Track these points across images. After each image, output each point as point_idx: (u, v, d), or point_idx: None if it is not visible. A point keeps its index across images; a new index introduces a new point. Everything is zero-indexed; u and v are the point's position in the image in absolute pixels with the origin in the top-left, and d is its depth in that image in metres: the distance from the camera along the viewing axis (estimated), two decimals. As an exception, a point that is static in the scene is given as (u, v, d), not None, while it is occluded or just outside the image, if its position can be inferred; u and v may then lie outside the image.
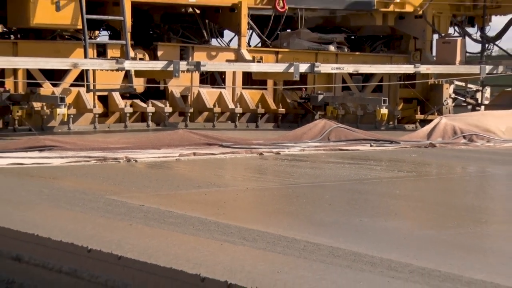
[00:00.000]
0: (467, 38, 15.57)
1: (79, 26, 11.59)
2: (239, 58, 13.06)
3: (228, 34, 14.67)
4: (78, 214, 5.93)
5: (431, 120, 12.93)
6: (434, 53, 15.06)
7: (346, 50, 14.92)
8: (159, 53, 12.79)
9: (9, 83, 11.75)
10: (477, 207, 7.08)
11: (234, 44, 13.92)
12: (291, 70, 12.92)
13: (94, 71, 11.98)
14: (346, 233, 5.46)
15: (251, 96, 13.67)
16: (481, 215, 6.63)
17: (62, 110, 11.33)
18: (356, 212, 6.36)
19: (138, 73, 12.25)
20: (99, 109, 12.32)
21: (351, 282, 4.09)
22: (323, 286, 3.94)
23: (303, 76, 13.58)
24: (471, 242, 5.38)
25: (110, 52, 12.16)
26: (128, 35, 11.87)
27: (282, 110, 13.91)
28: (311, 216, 6.15)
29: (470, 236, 5.60)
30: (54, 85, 11.95)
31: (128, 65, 11.75)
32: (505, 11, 15.12)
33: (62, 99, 11.28)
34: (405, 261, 4.53)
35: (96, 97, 12.27)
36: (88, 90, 12.11)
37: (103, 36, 13.15)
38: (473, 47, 15.72)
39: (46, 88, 11.85)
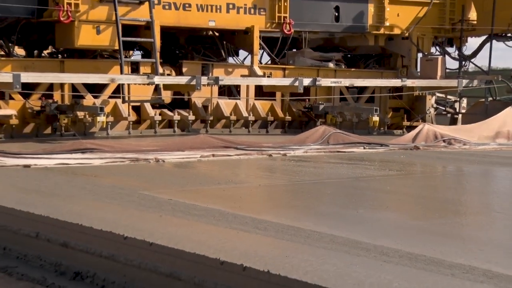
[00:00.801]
0: (446, 57, 15.56)
1: (116, 47, 11.63)
2: (252, 74, 13.06)
3: (242, 53, 14.70)
4: (116, 206, 5.96)
5: (415, 126, 12.90)
6: (418, 69, 15.03)
7: (343, 66, 14.90)
8: (184, 69, 12.80)
9: (57, 95, 11.79)
10: (456, 200, 7.07)
11: (247, 62, 13.92)
12: (296, 84, 12.92)
13: (128, 85, 12.01)
14: (345, 223, 5.46)
15: (262, 106, 13.67)
16: (459, 208, 6.62)
17: (101, 118, 11.37)
18: (353, 205, 6.36)
19: (166, 87, 12.26)
20: (132, 117, 12.34)
21: (349, 265, 4.10)
22: (325, 269, 3.95)
23: (307, 89, 13.56)
24: (452, 230, 5.38)
25: (142, 69, 12.19)
26: (158, 55, 11.90)
27: (288, 118, 13.90)
28: (315, 209, 6.15)
29: (451, 226, 5.60)
30: (95, 97, 11.97)
31: (157, 80, 11.78)
32: (479, 33, 15.12)
33: (102, 109, 11.32)
34: (395, 247, 4.53)
35: (130, 107, 12.29)
36: (123, 101, 12.13)
37: (136, 55, 13.19)
38: (452, 64, 15.74)
39: (88, 100, 11.88)
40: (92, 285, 4.74)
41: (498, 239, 5.23)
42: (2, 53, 12.65)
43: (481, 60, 15.15)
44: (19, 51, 13.12)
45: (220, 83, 12.65)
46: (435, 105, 15.58)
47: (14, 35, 12.22)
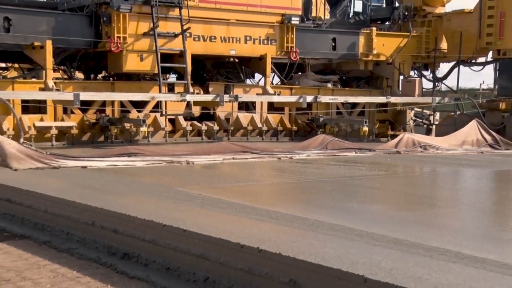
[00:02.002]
0: (423, 78, 15.51)
1: (156, 71, 11.66)
2: (265, 92, 13.06)
3: (257, 76, 14.69)
4: (155, 200, 5.96)
5: (398, 135, 12.86)
6: (400, 89, 14.99)
7: (339, 86, 14.87)
8: (210, 89, 12.81)
9: (108, 110, 11.84)
10: (432, 195, 7.05)
11: (261, 83, 13.92)
12: (301, 100, 12.92)
13: (165, 102, 12.03)
14: (342, 214, 5.44)
15: (273, 118, 13.66)
16: (435, 201, 6.59)
17: (143, 129, 11.41)
18: (348, 199, 6.35)
19: (196, 103, 12.28)
20: (169, 127, 12.36)
21: (346, 248, 4.08)
22: (326, 251, 3.94)
23: (309, 104, 13.54)
24: (429, 220, 5.36)
25: (177, 89, 12.20)
26: (189, 77, 11.92)
27: (294, 128, 13.88)
28: (317, 202, 6.14)
29: (428, 216, 5.58)
30: (139, 111, 12.00)
31: (189, 97, 11.80)
32: (449, 59, 15.08)
33: (144, 121, 11.36)
34: (383, 234, 4.52)
35: (167, 119, 12.31)
36: (161, 115, 12.15)
37: (172, 78, 13.20)
38: (427, 85, 15.66)
39: (133, 114, 11.91)
40: (137, 264, 4.74)
41: (467, 227, 5.21)
42: (66, 76, 12.71)
43: (451, 81, 15.17)
44: (79, 75, 13.17)
45: (239, 100, 12.67)
46: (413, 118, 15.56)
47: (75, 62, 12.29)
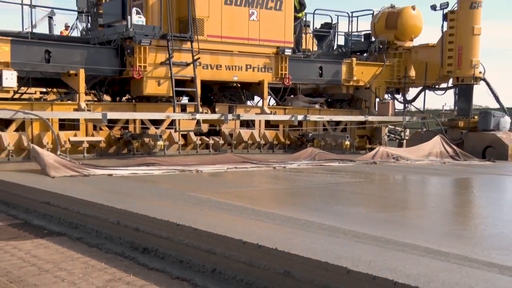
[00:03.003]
0: (395, 101, 15.51)
1: (171, 94, 11.63)
2: (263, 112, 13.03)
3: (256, 98, 14.66)
4: (170, 203, 5.96)
5: (374, 148, 12.85)
6: (376, 109, 15.00)
7: (325, 107, 14.85)
8: (217, 109, 12.79)
9: (131, 127, 11.81)
10: (404, 199, 7.04)
11: (259, 104, 13.91)
12: (293, 119, 12.90)
13: (179, 120, 12.02)
14: (328, 215, 5.43)
15: (270, 134, 13.63)
16: (407, 204, 6.60)
17: (160, 142, 11.38)
18: (334, 202, 6.34)
19: (204, 121, 12.25)
20: (181, 142, 12.32)
21: (331, 244, 4.07)
22: (315, 247, 3.93)
23: (300, 122, 13.51)
24: (402, 220, 5.35)
25: (188, 109, 12.18)
26: (199, 99, 11.90)
27: (288, 142, 13.83)
28: (308, 205, 6.13)
29: (401, 217, 5.57)
30: (156, 128, 11.97)
31: (198, 116, 11.78)
32: (417, 85, 15.06)
33: (161, 136, 11.33)
34: (364, 232, 4.52)
35: (180, 135, 12.29)
36: (175, 131, 12.13)
37: (184, 100, 13.20)
38: (399, 106, 15.67)
39: (152, 130, 11.89)
40: (156, 257, 4.73)
41: (433, 226, 5.20)
42: (95, 99, 12.70)
43: (418, 103, 15.18)
44: (106, 97, 13.17)
45: (241, 118, 12.63)
46: (387, 134, 15.53)
47: (104, 87, 12.30)
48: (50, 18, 15.88)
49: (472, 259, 3.73)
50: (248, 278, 3.93)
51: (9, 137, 10.53)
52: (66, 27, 15.21)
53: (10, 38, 10.55)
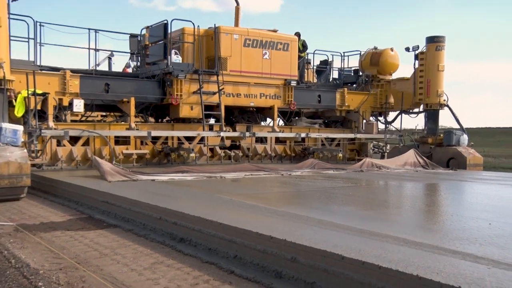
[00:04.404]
0: (378, 122, 15.42)
1: (201, 117, 11.68)
2: (273, 131, 13.04)
3: (268, 119, 14.66)
4: (201, 203, 5.96)
5: (361, 159, 12.76)
6: (363, 128, 14.91)
7: (322, 127, 14.84)
8: (237, 128, 12.80)
9: (170, 142, 11.88)
10: (385, 200, 6.98)
11: (271, 124, 13.90)
12: (297, 136, 12.92)
13: (207, 137, 12.06)
14: (326, 212, 5.39)
15: (279, 148, 13.60)
16: (388, 204, 6.53)
17: (192, 154, 11.41)
18: (331, 202, 6.31)
19: (227, 137, 12.28)
20: (209, 154, 12.35)
21: (329, 235, 4.04)
22: (315, 238, 3.90)
23: (303, 138, 13.53)
24: (384, 216, 5.31)
25: (215, 128, 12.21)
26: (223, 120, 11.93)
27: (293, 154, 13.80)
28: (309, 204, 6.10)
29: (383, 214, 5.52)
30: (189, 143, 12.01)
31: (222, 134, 11.80)
32: (395, 109, 14.94)
33: (192, 150, 11.36)
34: (353, 226, 4.48)
35: (208, 148, 12.33)
36: (204, 145, 12.16)
37: (211, 120, 13.26)
38: (381, 126, 15.55)
39: (186, 144, 11.94)
40: (190, 245, 4.73)
41: (409, 221, 5.15)
42: (143, 120, 12.81)
43: (396, 124, 15.05)
44: (151, 119, 13.26)
45: (256, 135, 12.65)
46: (372, 148, 15.43)
47: (149, 111, 12.39)
48: (110, 58, 16.16)
49: (440, 247, 3.69)
50: (262, 262, 3.92)
51: (77, 150, 10.67)
52: (127, 66, 15.46)
53: (79, 74, 10.71)
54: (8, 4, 8.70)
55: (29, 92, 9.39)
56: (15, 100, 9.22)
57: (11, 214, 6.47)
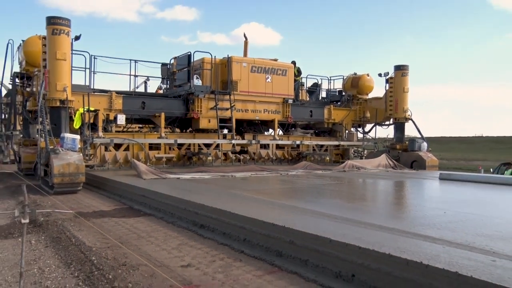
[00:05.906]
0: (358, 132, 15.36)
1: (217, 128, 11.69)
2: (274, 139, 13.02)
3: (270, 130, 14.63)
4: (217, 196, 5.94)
5: (344, 161, 12.71)
6: (346, 137, 14.86)
7: (314, 136, 14.80)
8: (245, 137, 12.79)
9: (192, 148, 11.89)
10: (363, 194, 6.95)
11: (272, 133, 13.88)
12: (293, 143, 12.91)
13: (221, 144, 12.06)
14: (317, 204, 5.36)
15: (279, 152, 13.58)
16: (365, 197, 6.50)
17: (210, 158, 11.42)
18: (321, 196, 6.28)
19: (237, 144, 12.25)
20: (223, 157, 12.36)
21: (319, 223, 4.03)
22: (309, 225, 3.89)
23: (298, 145, 13.48)
24: (362, 208, 5.28)
25: (228, 136, 12.22)
26: (234, 131, 11.94)
27: (290, 157, 13.77)
28: (305, 198, 6.08)
29: (364, 206, 5.49)
30: (207, 148, 12.03)
31: (234, 141, 11.80)
32: (371, 122, 14.84)
33: (210, 154, 11.37)
34: (340, 215, 4.47)
35: (222, 153, 12.33)
36: (219, 150, 12.15)
37: (225, 131, 13.26)
38: (360, 135, 15.48)
39: (205, 150, 11.93)
40: (208, 230, 4.72)
41: (382, 211, 5.11)
42: (171, 131, 12.83)
43: (372, 134, 14.98)
44: (177, 130, 13.29)
45: (260, 142, 12.64)
46: (353, 152, 15.38)
47: (176, 123, 12.43)
48: (146, 82, 16.25)
49: (407, 232, 3.68)
50: (266, 244, 3.92)
51: (120, 154, 10.72)
52: (159, 88, 15.57)
53: (122, 95, 10.79)
54: (72, 43, 8.95)
55: (85, 109, 9.57)
56: (74, 115, 9.44)
57: (71, 204, 6.52)
